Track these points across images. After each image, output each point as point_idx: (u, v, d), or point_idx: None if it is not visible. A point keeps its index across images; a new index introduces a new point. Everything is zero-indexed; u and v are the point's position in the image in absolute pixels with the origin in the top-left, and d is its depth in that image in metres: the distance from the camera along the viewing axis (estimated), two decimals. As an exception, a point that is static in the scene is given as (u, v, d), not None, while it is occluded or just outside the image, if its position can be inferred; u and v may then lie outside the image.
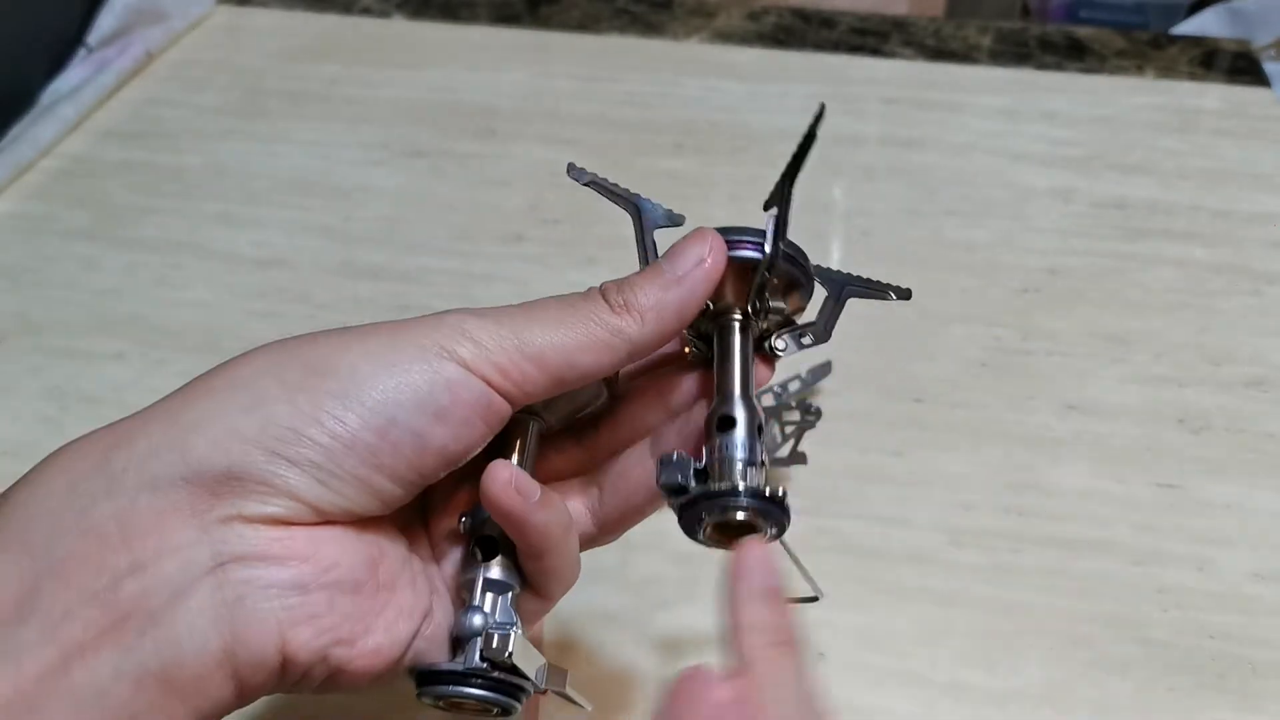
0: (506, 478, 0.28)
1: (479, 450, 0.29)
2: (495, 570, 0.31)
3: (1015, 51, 0.87)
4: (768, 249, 0.31)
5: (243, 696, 0.25)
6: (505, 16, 0.92)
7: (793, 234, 0.31)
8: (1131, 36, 0.90)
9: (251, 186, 0.73)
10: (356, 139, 0.77)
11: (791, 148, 0.28)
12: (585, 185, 0.33)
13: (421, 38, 0.89)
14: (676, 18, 0.91)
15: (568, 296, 0.30)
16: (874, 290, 0.35)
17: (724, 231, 0.32)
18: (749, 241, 0.32)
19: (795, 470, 0.52)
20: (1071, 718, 0.43)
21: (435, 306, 0.67)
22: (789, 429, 0.52)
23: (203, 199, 0.72)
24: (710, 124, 0.78)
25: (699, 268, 0.31)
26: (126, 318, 0.63)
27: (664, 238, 0.33)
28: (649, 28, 0.90)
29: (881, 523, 0.51)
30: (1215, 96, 0.82)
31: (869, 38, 0.89)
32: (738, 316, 0.32)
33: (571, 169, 0.33)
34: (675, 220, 0.34)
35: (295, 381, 0.26)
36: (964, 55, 0.87)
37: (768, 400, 0.55)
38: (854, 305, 0.34)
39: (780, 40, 0.89)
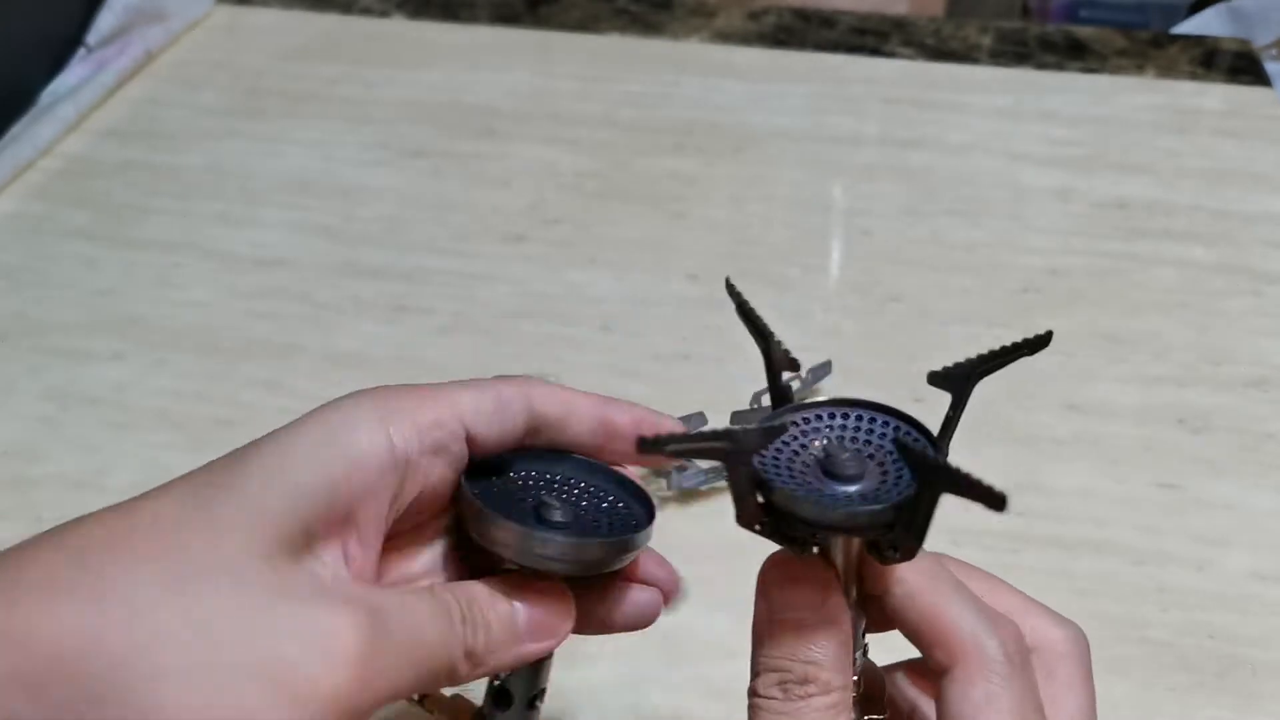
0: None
1: None
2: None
3: (1015, 51, 0.87)
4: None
5: None
6: (505, 16, 0.92)
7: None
8: (1131, 36, 0.90)
9: (251, 186, 0.73)
10: (356, 139, 0.77)
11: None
12: (735, 303, 0.30)
13: (421, 38, 0.89)
14: (676, 18, 0.91)
15: (441, 625, 0.27)
16: (972, 489, 0.24)
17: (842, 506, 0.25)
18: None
19: (795, 470, 0.52)
20: (1071, 718, 0.43)
21: (436, 307, 0.67)
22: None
23: (202, 199, 0.72)
24: (710, 124, 0.78)
25: (545, 645, 0.30)
26: (126, 318, 0.63)
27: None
28: (649, 28, 0.90)
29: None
30: (1215, 96, 0.82)
31: (869, 38, 0.89)
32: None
33: (731, 288, 0.30)
34: (793, 366, 0.29)
35: None
36: (964, 55, 0.87)
37: (767, 400, 0.55)
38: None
39: (780, 40, 0.89)
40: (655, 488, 0.52)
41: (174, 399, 0.57)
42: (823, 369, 0.57)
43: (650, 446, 0.24)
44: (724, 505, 0.52)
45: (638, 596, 0.32)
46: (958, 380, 0.29)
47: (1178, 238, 0.68)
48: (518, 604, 0.29)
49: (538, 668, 0.32)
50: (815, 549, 0.27)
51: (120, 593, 0.23)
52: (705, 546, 0.50)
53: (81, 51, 0.82)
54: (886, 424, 0.28)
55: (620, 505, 0.32)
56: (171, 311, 0.63)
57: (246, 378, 0.58)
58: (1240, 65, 0.85)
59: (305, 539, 0.26)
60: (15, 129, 0.76)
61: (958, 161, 0.75)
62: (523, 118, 0.79)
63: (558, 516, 0.30)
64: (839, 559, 0.28)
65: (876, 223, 0.69)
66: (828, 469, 0.26)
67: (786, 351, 0.29)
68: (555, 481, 0.32)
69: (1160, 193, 0.72)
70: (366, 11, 0.93)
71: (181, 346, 0.61)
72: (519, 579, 0.30)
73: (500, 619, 0.29)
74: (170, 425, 0.55)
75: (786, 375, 0.29)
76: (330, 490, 0.27)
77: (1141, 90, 0.83)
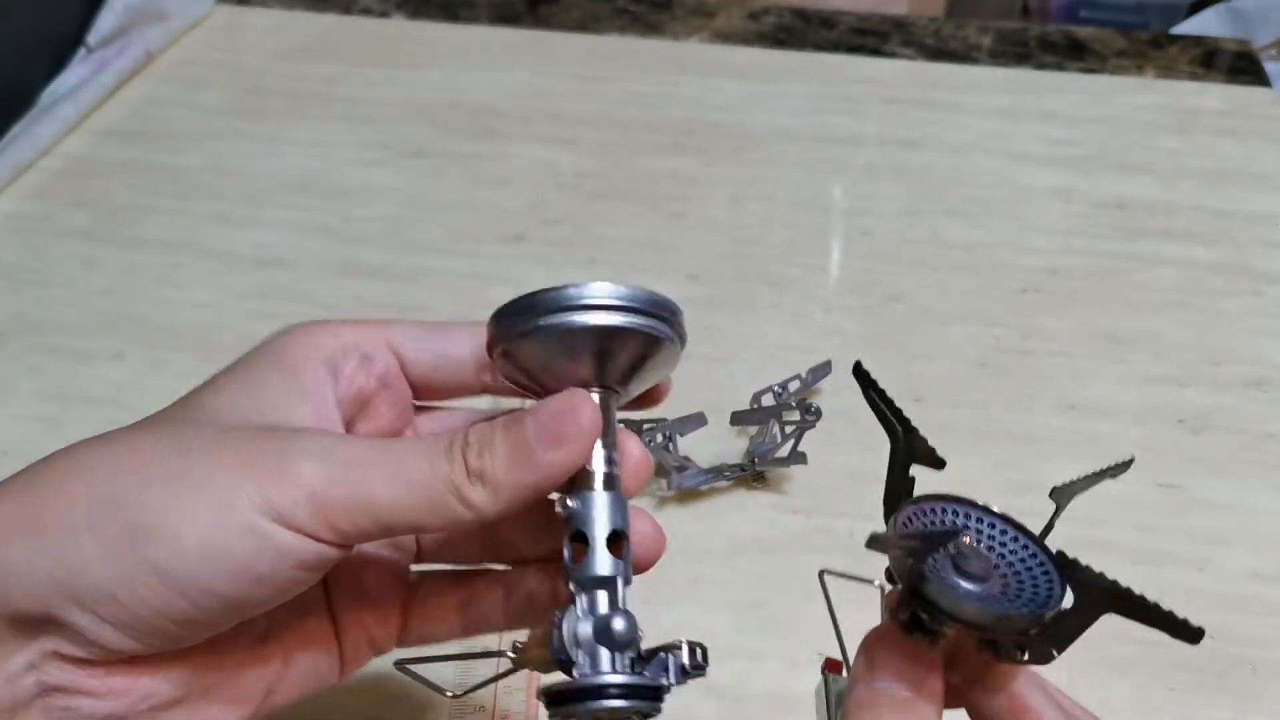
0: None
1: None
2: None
3: (1015, 51, 0.87)
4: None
5: None
6: (505, 16, 0.92)
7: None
8: (1131, 36, 0.90)
9: (251, 186, 0.73)
10: (356, 139, 0.77)
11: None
12: (865, 392, 0.30)
13: (421, 38, 0.89)
14: (676, 18, 0.91)
15: (428, 441, 0.28)
16: (1162, 621, 0.26)
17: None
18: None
19: (795, 470, 0.52)
20: (1071, 718, 0.43)
21: (436, 307, 0.67)
22: (789, 429, 0.52)
23: (203, 199, 0.72)
24: (710, 124, 0.78)
25: (564, 450, 0.28)
26: (126, 318, 0.63)
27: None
28: (649, 28, 0.90)
29: (881, 523, 0.51)
30: (1215, 96, 0.82)
31: (869, 38, 0.89)
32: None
33: (862, 374, 0.30)
34: (936, 464, 0.29)
35: (114, 540, 0.25)
36: (964, 55, 0.87)
37: (767, 400, 0.55)
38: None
39: (780, 40, 0.89)
40: (655, 487, 0.52)
41: (174, 399, 0.57)
42: (823, 369, 0.57)
43: (872, 544, 0.26)
44: (724, 505, 0.52)
45: (642, 525, 0.31)
46: (1065, 494, 0.30)
47: (1178, 238, 0.68)
48: (527, 414, 0.28)
49: (599, 502, 0.29)
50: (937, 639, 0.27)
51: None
52: (705, 546, 0.50)
53: (81, 51, 0.82)
54: (994, 525, 0.28)
55: None
56: (171, 311, 0.63)
57: (246, 378, 0.58)
58: (1240, 65, 0.85)
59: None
60: (15, 129, 0.76)
61: (958, 161, 0.75)
62: (523, 118, 0.79)
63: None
64: (942, 644, 0.28)
65: (876, 223, 0.69)
66: (960, 566, 0.27)
67: (933, 449, 0.29)
68: None
69: (1160, 193, 0.72)
70: (366, 11, 0.93)
71: (181, 346, 0.61)
72: (537, 402, 0.29)
73: (508, 434, 0.27)
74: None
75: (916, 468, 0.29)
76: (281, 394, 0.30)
77: (1141, 90, 0.83)
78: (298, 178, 0.74)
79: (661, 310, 0.30)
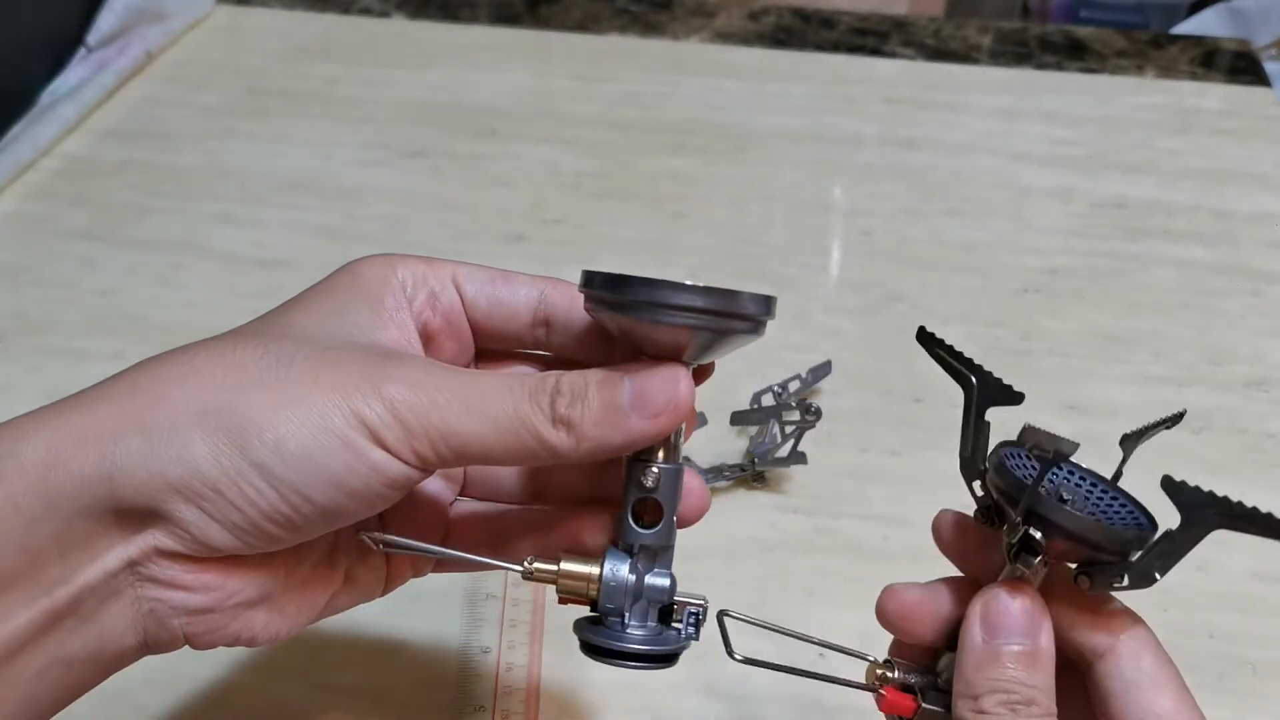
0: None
1: None
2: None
3: (1015, 51, 0.87)
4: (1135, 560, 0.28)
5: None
6: (505, 16, 0.92)
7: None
8: (1131, 36, 0.90)
9: (251, 186, 0.73)
10: (356, 139, 0.77)
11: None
12: (932, 351, 0.32)
13: (421, 38, 0.89)
14: (676, 18, 0.91)
15: (513, 380, 0.29)
16: (1258, 523, 0.28)
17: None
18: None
19: (795, 470, 0.52)
20: (1071, 718, 0.43)
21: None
22: (789, 429, 0.52)
23: (203, 199, 0.72)
24: (710, 124, 0.78)
25: (655, 421, 0.29)
26: (126, 318, 0.63)
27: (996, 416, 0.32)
28: (649, 28, 0.90)
29: (881, 523, 0.51)
30: (1215, 96, 0.82)
31: (869, 38, 0.89)
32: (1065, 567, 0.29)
33: (922, 332, 0.33)
34: (1014, 398, 0.31)
35: (223, 441, 0.27)
36: (964, 55, 0.87)
37: (767, 400, 0.55)
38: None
39: (780, 40, 0.89)
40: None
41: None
42: (822, 369, 0.57)
43: (1025, 435, 0.28)
44: (724, 505, 0.52)
45: (691, 483, 0.33)
46: (1131, 442, 0.32)
47: (1178, 238, 0.68)
48: (625, 377, 0.29)
49: (676, 475, 0.31)
50: (1030, 572, 0.29)
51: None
52: (705, 546, 0.50)
53: (82, 52, 0.82)
54: (1073, 472, 0.30)
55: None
56: (171, 311, 0.63)
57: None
58: (1240, 65, 0.85)
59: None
60: (15, 129, 0.76)
61: (958, 161, 0.75)
62: (523, 118, 0.79)
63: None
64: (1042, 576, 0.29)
65: (876, 223, 0.69)
66: (1058, 496, 0.29)
67: (1008, 386, 0.31)
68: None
69: (1160, 193, 0.72)
70: (366, 11, 0.93)
71: (181, 346, 0.61)
72: (635, 362, 0.30)
73: (602, 392, 0.29)
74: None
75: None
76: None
77: (1141, 90, 0.83)
78: (298, 178, 0.74)
79: (768, 313, 0.31)
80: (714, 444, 0.54)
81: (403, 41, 0.89)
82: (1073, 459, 0.29)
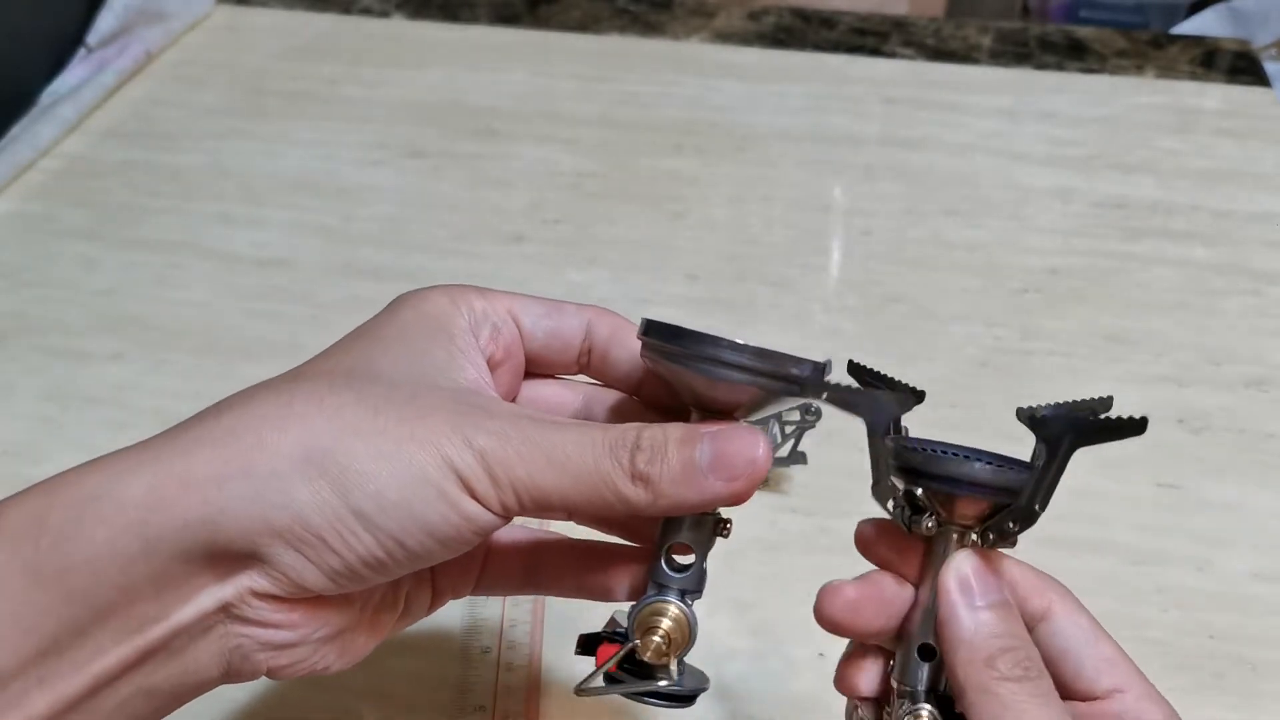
0: None
1: None
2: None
3: (1015, 51, 0.87)
4: (1037, 507, 0.29)
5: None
6: (505, 16, 0.92)
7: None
8: (1131, 36, 0.90)
9: (251, 186, 0.73)
10: (356, 139, 0.77)
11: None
12: (826, 398, 0.31)
13: (421, 38, 0.89)
14: (676, 18, 0.91)
15: (595, 433, 0.29)
16: (1111, 427, 0.28)
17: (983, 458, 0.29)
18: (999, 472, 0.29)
19: (795, 470, 0.52)
20: (1071, 718, 0.43)
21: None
22: (789, 429, 0.52)
23: (203, 199, 0.72)
24: (710, 124, 0.78)
25: (732, 484, 0.29)
26: (126, 318, 0.63)
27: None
28: (649, 28, 0.90)
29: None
30: (1215, 96, 0.82)
31: (869, 38, 0.89)
32: (970, 536, 0.30)
33: (852, 365, 0.33)
34: (906, 404, 0.32)
35: (325, 489, 0.28)
36: (964, 55, 0.87)
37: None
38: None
39: (780, 40, 0.89)
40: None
41: (174, 399, 0.57)
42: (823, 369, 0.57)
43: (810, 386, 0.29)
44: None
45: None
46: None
47: (1178, 238, 0.68)
48: (705, 437, 0.29)
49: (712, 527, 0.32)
50: (932, 526, 0.30)
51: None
52: (705, 546, 0.50)
53: (82, 51, 0.82)
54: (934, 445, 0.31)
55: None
56: (171, 311, 0.63)
57: (246, 378, 0.58)
58: (1240, 65, 0.85)
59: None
60: (15, 129, 0.76)
61: (958, 161, 0.75)
62: (523, 118, 0.79)
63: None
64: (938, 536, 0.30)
65: (876, 223, 0.69)
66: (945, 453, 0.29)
67: (909, 386, 0.31)
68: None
69: (1160, 193, 0.72)
70: (366, 11, 0.93)
71: (181, 346, 0.61)
72: (715, 422, 0.30)
73: (682, 451, 0.29)
74: (170, 425, 0.55)
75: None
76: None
77: (1141, 90, 0.83)
78: (298, 178, 0.74)
79: (824, 377, 0.31)
80: (714, 444, 0.54)
81: (403, 41, 0.89)
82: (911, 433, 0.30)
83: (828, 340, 0.60)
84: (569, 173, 0.74)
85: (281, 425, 0.28)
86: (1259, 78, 0.84)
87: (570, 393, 0.36)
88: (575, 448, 0.29)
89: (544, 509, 0.29)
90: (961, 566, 0.30)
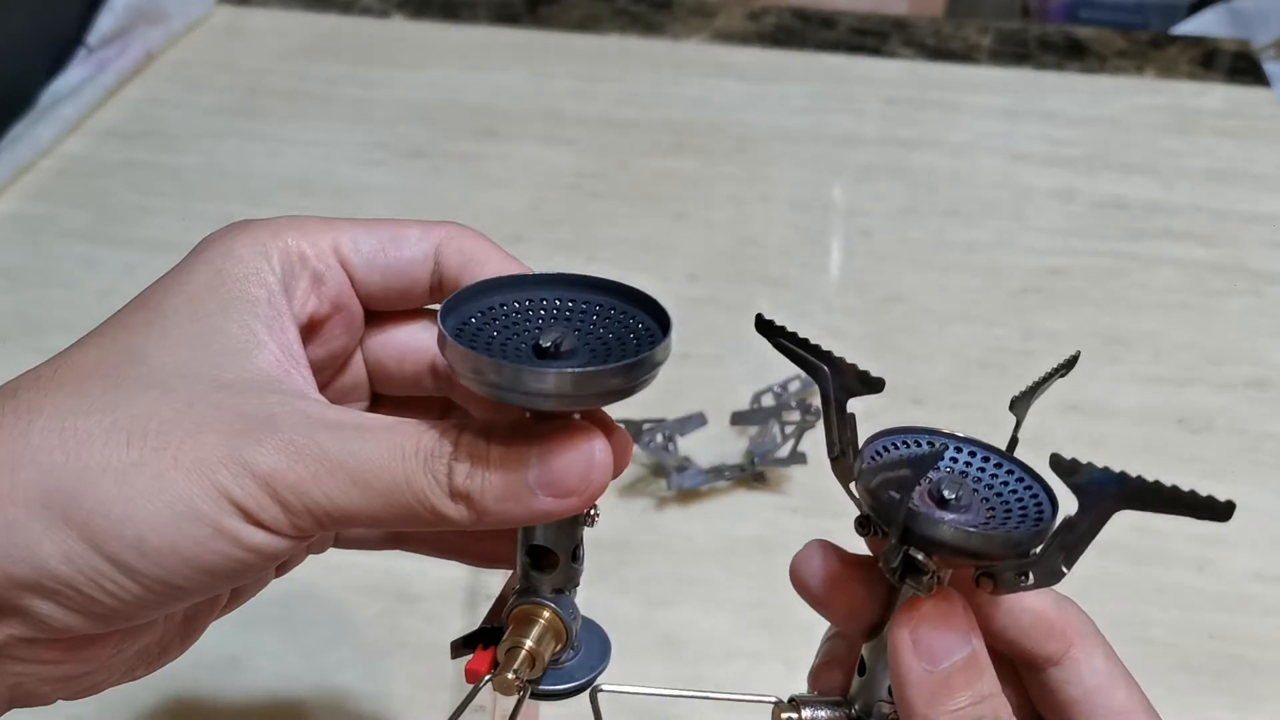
0: None
1: None
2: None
3: (1015, 51, 0.87)
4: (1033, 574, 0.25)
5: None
6: (505, 16, 0.92)
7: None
8: (1131, 36, 0.90)
9: (251, 186, 0.73)
10: (356, 139, 0.77)
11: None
12: (774, 341, 0.27)
13: (421, 38, 0.89)
14: (676, 18, 0.91)
15: (406, 442, 0.25)
16: (1184, 503, 0.23)
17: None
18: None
19: (795, 470, 0.52)
20: (1071, 718, 0.43)
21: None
22: (789, 429, 0.52)
23: (203, 199, 0.72)
24: (710, 124, 0.78)
25: (563, 502, 0.25)
26: (126, 318, 0.63)
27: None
28: (649, 28, 0.90)
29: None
30: (1215, 96, 0.82)
31: (869, 38, 0.89)
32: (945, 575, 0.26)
33: (760, 320, 0.28)
34: (874, 385, 0.27)
35: (71, 539, 0.24)
36: (964, 55, 0.87)
37: (767, 400, 0.55)
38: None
39: (780, 40, 0.89)
40: (655, 488, 0.52)
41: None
42: (823, 369, 0.57)
43: (861, 477, 0.25)
44: (724, 506, 0.52)
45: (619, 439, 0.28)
46: (1023, 404, 0.29)
47: (1178, 238, 0.68)
48: (531, 453, 0.25)
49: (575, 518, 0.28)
50: (935, 585, 0.26)
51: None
52: (705, 546, 0.50)
53: (82, 52, 0.82)
54: (960, 449, 0.27)
55: (631, 320, 0.29)
56: (171, 311, 0.63)
57: (246, 378, 0.58)
58: (1240, 66, 0.85)
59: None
60: (15, 129, 0.76)
61: (958, 161, 0.75)
62: (522, 118, 0.79)
63: (554, 344, 0.26)
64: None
65: (876, 223, 0.69)
66: (941, 496, 0.25)
67: (865, 373, 0.27)
68: (545, 305, 0.28)
69: (1160, 193, 0.72)
70: (366, 11, 0.93)
71: (181, 346, 0.61)
72: (546, 426, 0.26)
73: (506, 469, 0.25)
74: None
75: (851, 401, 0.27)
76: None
77: (1141, 90, 0.83)
78: (298, 178, 0.74)
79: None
80: (714, 444, 0.54)
81: (403, 42, 0.89)
82: (958, 433, 0.27)
83: (828, 340, 0.60)
84: (569, 173, 0.74)
85: (14, 464, 0.24)
86: (1259, 78, 0.84)
87: (428, 332, 0.31)
88: (382, 460, 0.25)
89: (348, 525, 0.25)
90: (921, 623, 0.25)
